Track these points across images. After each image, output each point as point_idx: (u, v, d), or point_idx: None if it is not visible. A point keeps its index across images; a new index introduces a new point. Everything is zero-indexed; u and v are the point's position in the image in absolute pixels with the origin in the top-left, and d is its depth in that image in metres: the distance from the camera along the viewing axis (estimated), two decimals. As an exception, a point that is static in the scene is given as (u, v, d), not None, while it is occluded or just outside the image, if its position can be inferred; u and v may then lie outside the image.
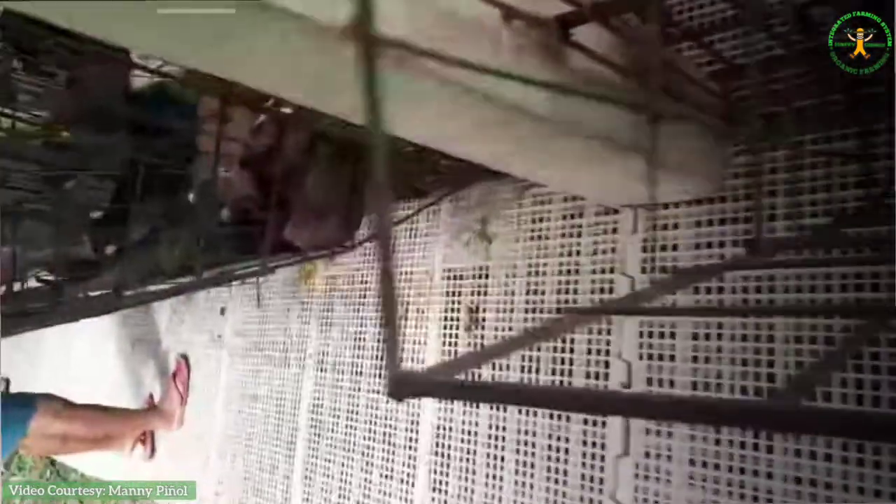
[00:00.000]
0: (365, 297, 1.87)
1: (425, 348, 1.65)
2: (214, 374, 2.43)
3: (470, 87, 0.81)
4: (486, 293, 1.54)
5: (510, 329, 1.46)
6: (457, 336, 1.58)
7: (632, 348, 1.25)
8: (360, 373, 1.83)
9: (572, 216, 1.39)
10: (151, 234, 1.50)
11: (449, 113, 0.86)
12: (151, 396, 2.73)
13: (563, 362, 1.35)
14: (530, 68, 0.90)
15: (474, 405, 1.50)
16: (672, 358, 1.19)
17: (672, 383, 1.19)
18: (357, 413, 1.81)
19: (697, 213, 1.20)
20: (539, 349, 1.40)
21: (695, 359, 1.17)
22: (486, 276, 1.54)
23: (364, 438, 1.78)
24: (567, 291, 1.37)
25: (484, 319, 1.52)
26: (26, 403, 2.16)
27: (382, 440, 1.72)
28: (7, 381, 4.07)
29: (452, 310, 1.61)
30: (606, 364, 1.28)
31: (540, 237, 1.45)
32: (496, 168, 1.17)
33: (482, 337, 1.51)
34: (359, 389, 1.82)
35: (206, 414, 2.44)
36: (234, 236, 1.23)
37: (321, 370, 1.96)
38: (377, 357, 1.79)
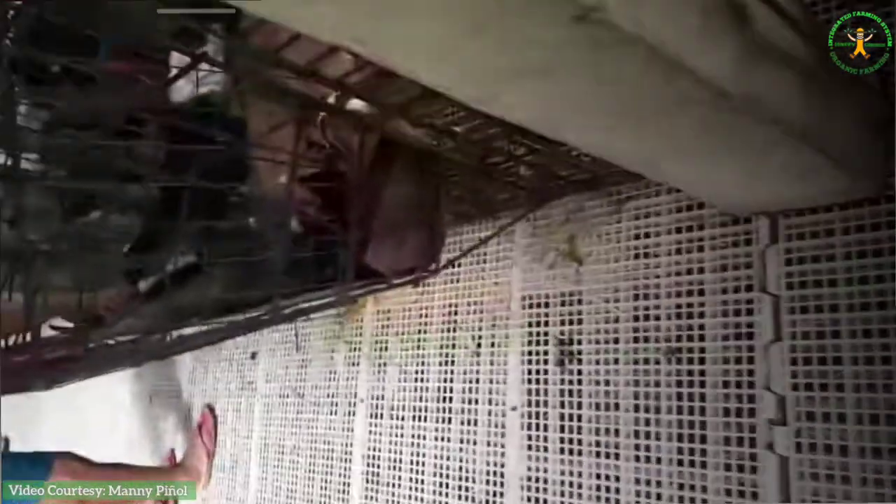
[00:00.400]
0: (425, 332, 1.67)
1: (505, 388, 1.45)
2: (246, 424, 2.21)
3: (663, 53, 0.64)
4: (580, 322, 1.34)
5: (616, 362, 1.26)
6: (546, 373, 1.38)
7: (782, 377, 1.06)
8: (424, 418, 1.62)
9: (689, 229, 1.21)
10: (197, 265, 1.30)
11: (635, 86, 0.69)
12: (173, 452, 2.50)
13: (691, 398, 1.15)
14: (719, 31, 0.73)
15: (575, 452, 1.29)
16: (839, 388, 1.00)
17: (841, 417, 0.99)
18: (423, 464, 1.60)
19: (856, 216, 1.02)
20: (642, 383, 1.21)
21: (870, 387, 0.98)
22: (579, 303, 1.35)
23: (434, 493, 1.56)
24: (690, 315, 1.18)
25: (580, 353, 1.33)
26: (41, 463, 1.93)
27: (458, 496, 1.51)
28: (7, 440, 3.80)
29: (537, 342, 1.41)
30: (751, 398, 1.08)
31: (647, 255, 1.26)
32: (634, 168, 1.00)
33: (580, 373, 1.32)
34: (423, 437, 1.61)
35: (237, 470, 2.21)
36: (307, 261, 1.04)
37: (376, 416, 1.75)
38: (444, 399, 1.58)
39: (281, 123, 1.13)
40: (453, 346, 1.59)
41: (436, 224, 1.18)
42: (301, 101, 1.00)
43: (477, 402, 1.50)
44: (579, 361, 1.32)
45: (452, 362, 1.58)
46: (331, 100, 1.17)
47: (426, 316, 1.68)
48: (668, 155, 0.89)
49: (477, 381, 1.51)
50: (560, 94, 0.73)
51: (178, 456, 2.44)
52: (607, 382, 1.27)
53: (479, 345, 1.53)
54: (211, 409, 2.36)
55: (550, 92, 0.73)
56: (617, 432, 1.24)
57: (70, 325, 2.13)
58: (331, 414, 1.89)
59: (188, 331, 1.34)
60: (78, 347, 1.58)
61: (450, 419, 1.56)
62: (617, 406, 1.25)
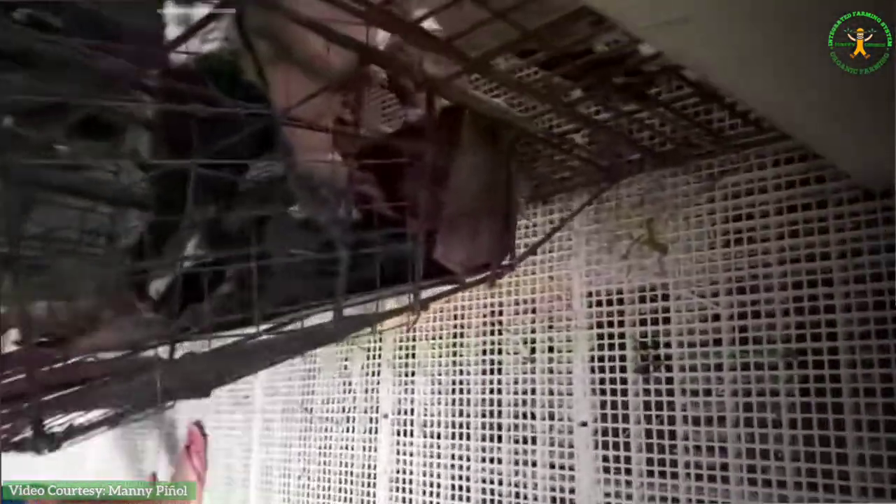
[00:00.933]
0: (462, 335, 1.45)
1: (570, 400, 1.24)
2: (243, 443, 1.96)
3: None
4: (666, 321, 1.14)
5: (718, 368, 1.07)
6: (623, 382, 1.18)
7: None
8: (466, 435, 1.40)
9: (805, 207, 1.02)
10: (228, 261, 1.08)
11: None
12: (155, 476, 2.23)
13: (821, 409, 0.96)
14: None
15: (668, 475, 1.09)
16: None
17: None
18: (466, 489, 1.38)
19: None
20: (755, 392, 1.02)
21: None
22: (664, 298, 1.15)
23: (482, 523, 1.35)
24: (814, 310, 0.99)
25: (668, 357, 1.13)
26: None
27: (514, 525, 1.29)
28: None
29: (610, 346, 1.21)
30: (907, 409, 0.89)
31: (751, 240, 1.07)
32: (786, 121, 0.80)
33: (669, 381, 1.12)
34: (465, 458, 1.39)
35: (233, 496, 1.96)
36: (365, 258, 0.82)
37: (404, 433, 1.53)
38: (489, 413, 1.37)
39: (327, 86, 0.91)
40: (499, 351, 1.38)
41: (511, 209, 0.97)
42: (360, 52, 0.78)
43: (534, 416, 1.29)
44: (668, 368, 1.12)
45: (499, 370, 1.37)
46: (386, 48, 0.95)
47: (462, 317, 1.46)
48: (851, 100, 0.69)
49: (532, 391, 1.30)
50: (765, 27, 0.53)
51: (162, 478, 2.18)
52: (707, 392, 1.07)
53: (532, 350, 1.32)
54: (200, 426, 2.10)
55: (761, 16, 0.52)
56: (723, 451, 1.04)
57: (42, 339, 1.86)
58: (348, 431, 1.66)
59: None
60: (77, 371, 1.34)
61: (499, 437, 1.34)
62: (721, 420, 1.05)
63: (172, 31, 1.22)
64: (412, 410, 1.52)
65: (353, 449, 1.64)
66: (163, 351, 1.42)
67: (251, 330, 1.10)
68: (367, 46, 0.81)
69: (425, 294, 0.88)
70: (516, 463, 1.30)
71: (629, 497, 1.14)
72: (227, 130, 1.07)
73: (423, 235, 0.85)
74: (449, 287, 0.92)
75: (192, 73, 1.12)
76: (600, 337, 1.22)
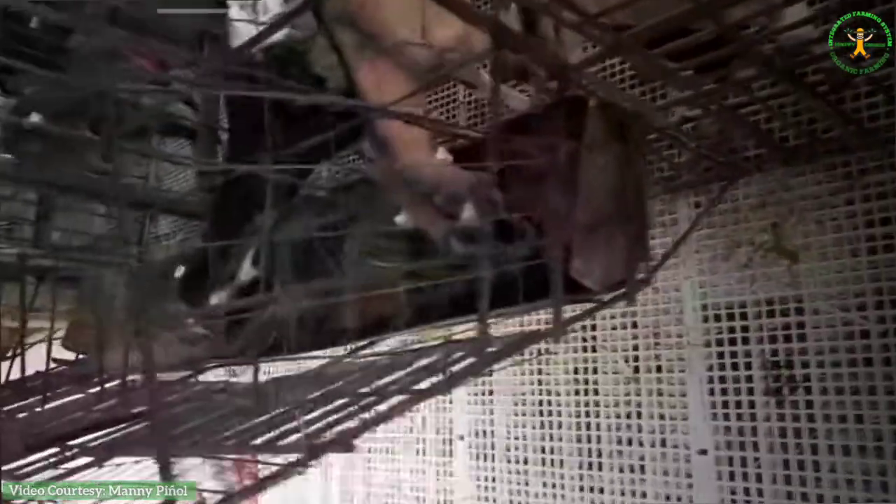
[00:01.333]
0: (549, 351, 1.34)
1: (686, 424, 1.12)
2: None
3: None
4: (801, 338, 1.02)
5: (871, 391, 0.94)
6: (751, 405, 1.06)
7: None
8: (559, 462, 1.29)
9: (977, 208, 0.90)
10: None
11: None
12: (202, 496, 2.13)
13: None
14: None
15: (813, 511, 0.97)
16: None
17: None
18: (561, 520, 1.27)
19: None
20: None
21: None
22: (798, 312, 1.03)
23: (582, 558, 1.23)
24: None
25: (806, 378, 1.00)
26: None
27: (622, 563, 1.18)
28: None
29: (733, 366, 1.08)
30: None
31: (906, 246, 0.94)
32: None
33: (809, 405, 1.00)
34: (560, 486, 1.28)
35: (290, 520, 1.86)
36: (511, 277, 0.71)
37: (483, 457, 1.42)
38: (585, 438, 1.25)
39: (432, 80, 0.79)
40: (594, 370, 1.26)
41: (643, 214, 0.85)
42: (496, 34, 0.66)
43: (641, 443, 1.17)
44: (807, 390, 1.00)
45: (595, 391, 1.25)
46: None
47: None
48: None
49: (638, 415, 1.18)
50: None
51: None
52: (859, 419, 0.95)
53: (636, 369, 1.20)
54: (249, 446, 1.99)
55: None
56: (884, 486, 0.92)
57: (74, 356, 1.76)
58: (418, 454, 1.55)
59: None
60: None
61: (599, 464, 1.22)
62: (879, 451, 0.93)
63: (235, 13, 1.11)
64: (492, 433, 1.41)
65: (425, 473, 1.53)
66: (234, 375, 1.31)
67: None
68: (505, 26, 0.69)
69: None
70: (622, 493, 1.19)
71: (763, 535, 1.02)
72: (307, 128, 0.96)
73: (561, 248, 0.73)
74: (587, 306, 0.80)
75: (260, 65, 1.01)
76: (720, 356, 1.10)
